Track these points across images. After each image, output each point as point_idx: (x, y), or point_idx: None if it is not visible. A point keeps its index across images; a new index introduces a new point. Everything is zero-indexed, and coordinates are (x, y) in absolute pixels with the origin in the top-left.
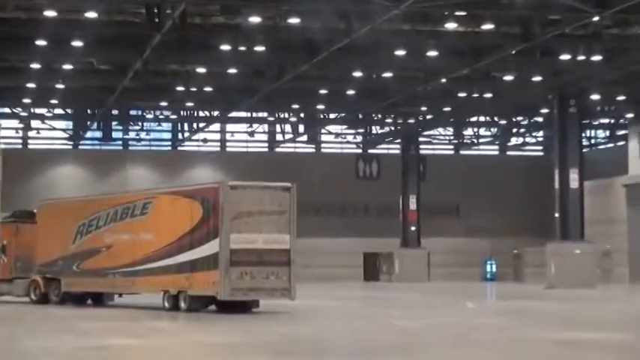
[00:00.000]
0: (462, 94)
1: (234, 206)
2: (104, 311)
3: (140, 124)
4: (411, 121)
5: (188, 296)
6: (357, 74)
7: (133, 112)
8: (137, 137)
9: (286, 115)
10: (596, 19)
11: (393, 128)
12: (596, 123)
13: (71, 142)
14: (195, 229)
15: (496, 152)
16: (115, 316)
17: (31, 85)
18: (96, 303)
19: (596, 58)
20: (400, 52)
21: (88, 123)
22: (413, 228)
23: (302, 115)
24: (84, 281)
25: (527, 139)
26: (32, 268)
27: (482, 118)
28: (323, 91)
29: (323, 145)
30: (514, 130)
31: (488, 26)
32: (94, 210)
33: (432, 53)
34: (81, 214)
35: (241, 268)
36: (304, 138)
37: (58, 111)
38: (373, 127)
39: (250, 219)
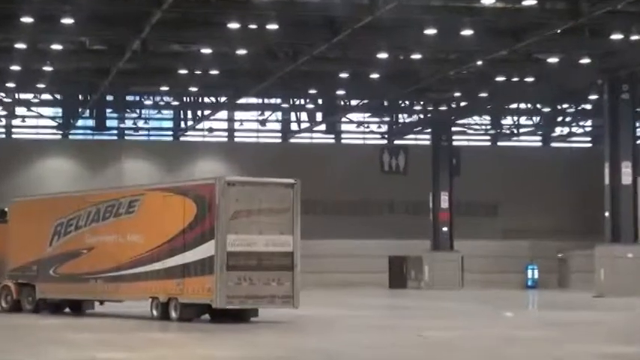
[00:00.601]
0: (500, 79)
1: (232, 204)
2: (89, 321)
3: (138, 111)
4: (443, 108)
5: (179, 304)
6: (383, 56)
7: (129, 98)
8: (134, 126)
9: (302, 102)
10: None
11: (422, 116)
12: None
13: (60, 132)
14: (188, 230)
15: (539, 144)
16: (104, 327)
17: (15, 67)
18: (74, 311)
19: None
20: (431, 31)
21: (80, 110)
22: (445, 229)
23: (320, 101)
24: (61, 287)
25: (574, 129)
26: (3, 272)
27: (522, 106)
28: (344, 75)
29: (343, 135)
30: (559, 119)
31: (530, 2)
32: (74, 208)
33: (467, 32)
34: (58, 213)
35: (239, 272)
36: (322, 127)
37: (46, 96)
38: (400, 115)
39: (249, 219)
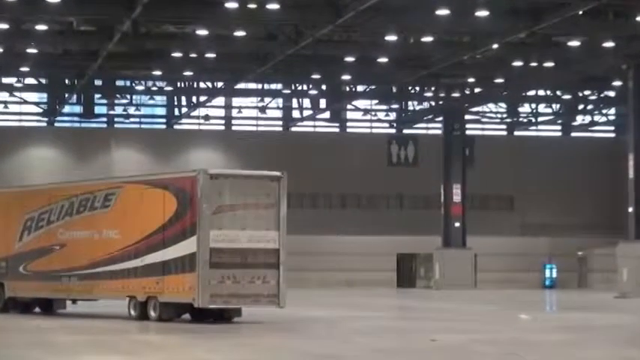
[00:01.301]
0: (517, 63)
1: (215, 198)
2: (78, 322)
3: (128, 97)
4: (456, 95)
5: (159, 303)
6: (391, 38)
7: (119, 83)
8: (125, 113)
9: (305, 88)
10: None
11: (433, 104)
12: None
13: (46, 119)
14: (169, 225)
15: (558, 133)
16: (94, 328)
17: None
18: (45, 311)
19: None
20: (443, 12)
21: (66, 95)
22: (457, 224)
23: (324, 87)
24: (32, 285)
25: (596, 118)
26: None
27: (541, 92)
28: (349, 59)
29: (349, 124)
30: (580, 107)
31: None
32: (45, 202)
33: (482, 13)
34: (28, 207)
35: (222, 270)
36: (326, 115)
37: (30, 81)
38: (409, 103)
39: (233, 213)
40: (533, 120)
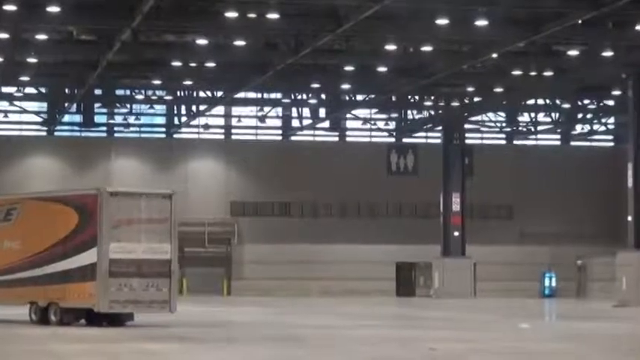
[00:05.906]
0: (516, 72)
1: (114, 214)
2: (65, 330)
3: (128, 106)
4: (455, 104)
5: (59, 308)
6: (391, 47)
7: (119, 92)
8: (124, 122)
9: (304, 97)
10: None
11: (432, 113)
12: None
13: (45, 128)
14: (70, 238)
15: (557, 142)
16: (86, 336)
17: None
18: None
19: None
20: (442, 21)
21: (66, 105)
22: (456, 233)
23: (323, 96)
24: None
25: (595, 127)
26: None
27: (540, 101)
28: (349, 68)
29: (348, 132)
30: (579, 116)
31: None
32: None
33: (481, 22)
34: None
35: (120, 279)
36: (326, 124)
37: (30, 90)
38: (409, 112)
39: (130, 227)
40: (533, 129)
